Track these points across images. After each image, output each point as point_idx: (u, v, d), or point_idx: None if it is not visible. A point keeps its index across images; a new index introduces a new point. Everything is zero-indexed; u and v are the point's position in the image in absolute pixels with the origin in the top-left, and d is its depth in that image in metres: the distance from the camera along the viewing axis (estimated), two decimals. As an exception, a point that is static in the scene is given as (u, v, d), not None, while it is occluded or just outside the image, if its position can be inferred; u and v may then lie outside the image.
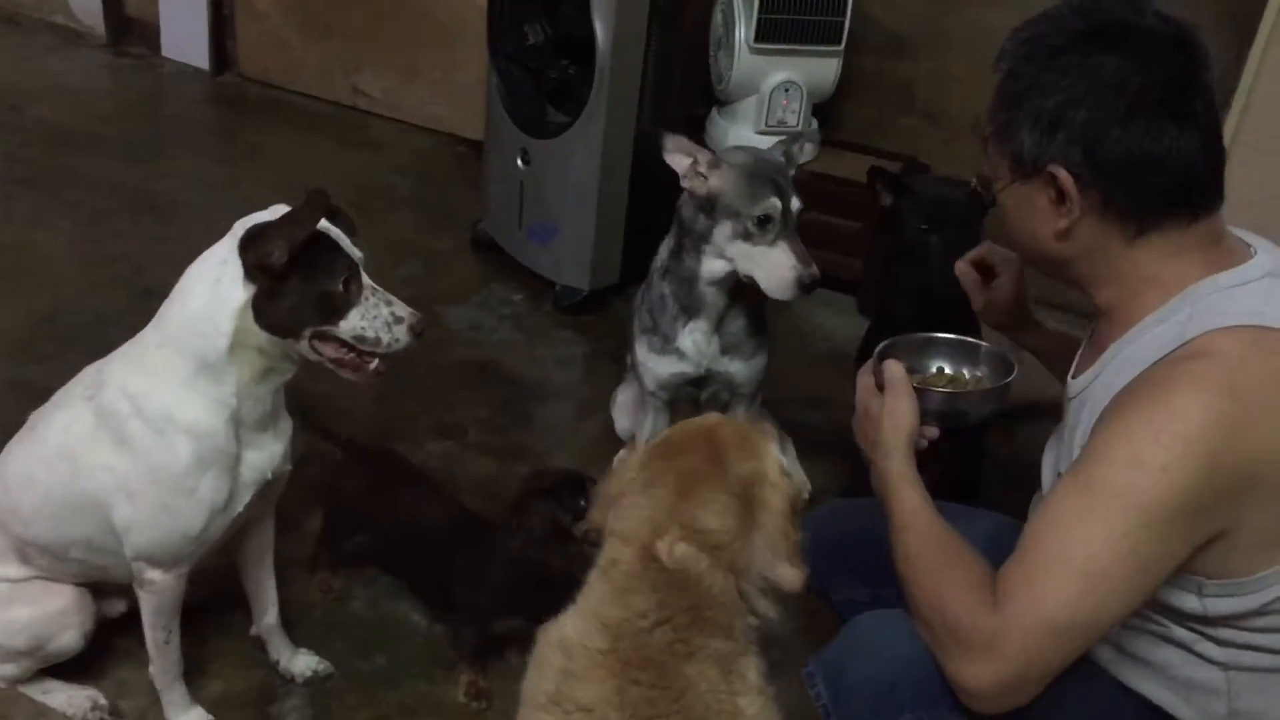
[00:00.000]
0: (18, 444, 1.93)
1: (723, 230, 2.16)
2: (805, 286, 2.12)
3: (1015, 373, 1.67)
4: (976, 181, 2.35)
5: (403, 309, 1.84)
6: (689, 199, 2.22)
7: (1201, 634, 1.41)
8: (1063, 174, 1.38)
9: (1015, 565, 1.35)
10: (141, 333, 1.84)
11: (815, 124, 3.52)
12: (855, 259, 3.42)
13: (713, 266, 2.21)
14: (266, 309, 1.72)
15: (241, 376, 1.76)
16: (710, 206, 2.16)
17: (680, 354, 2.31)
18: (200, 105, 4.55)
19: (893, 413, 1.54)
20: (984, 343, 1.77)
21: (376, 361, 1.84)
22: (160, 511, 1.78)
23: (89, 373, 1.90)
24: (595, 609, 1.41)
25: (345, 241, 1.83)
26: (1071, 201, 1.39)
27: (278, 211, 1.78)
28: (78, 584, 1.96)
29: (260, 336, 1.74)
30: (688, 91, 3.57)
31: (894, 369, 1.57)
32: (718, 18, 3.43)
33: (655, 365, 2.33)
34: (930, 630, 1.41)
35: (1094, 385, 1.46)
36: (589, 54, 3.08)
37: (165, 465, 1.76)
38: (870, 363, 1.69)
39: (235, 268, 1.71)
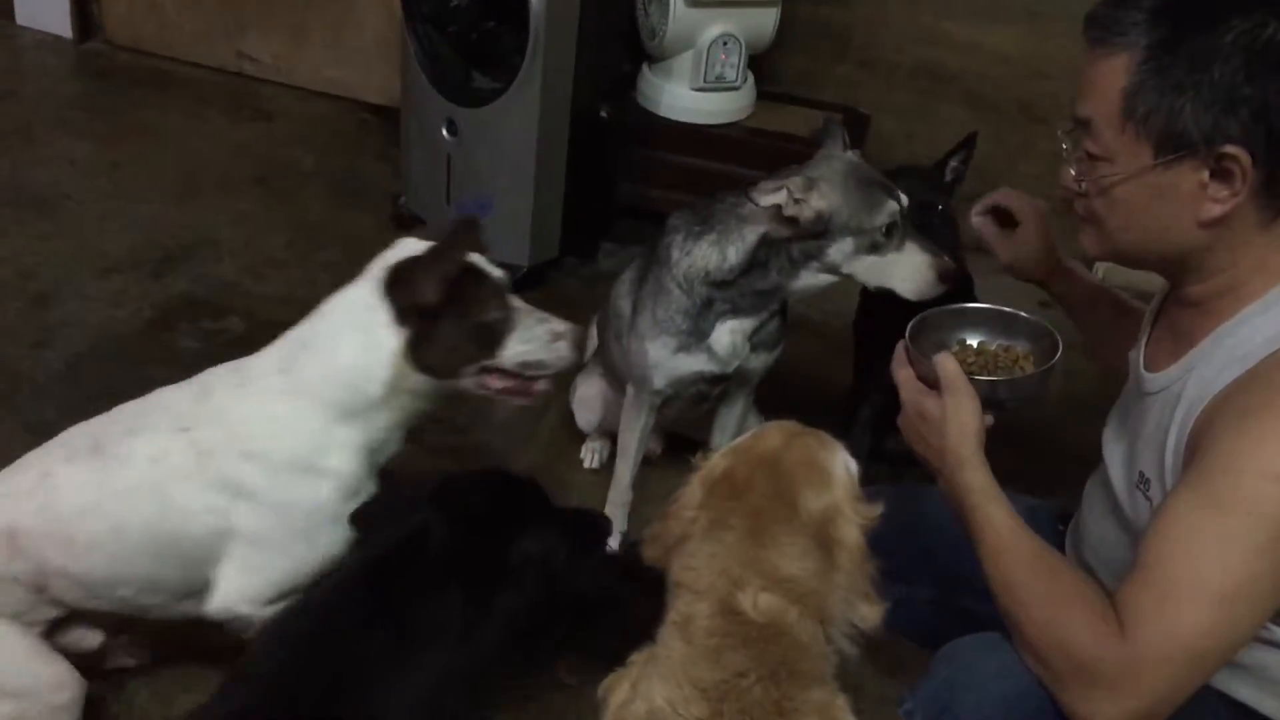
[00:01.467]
0: (69, 464, 1.68)
1: (841, 248, 1.97)
2: (948, 276, 1.98)
3: (1060, 351, 1.56)
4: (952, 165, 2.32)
5: (559, 323, 1.74)
6: (780, 228, 1.97)
7: None
8: (1243, 154, 1.26)
9: (1141, 590, 1.26)
10: (251, 368, 1.71)
11: (751, 77, 3.36)
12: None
13: (814, 281, 2.04)
14: (423, 352, 1.63)
15: (389, 421, 1.68)
16: (823, 230, 1.95)
17: (711, 352, 2.12)
18: (67, 79, 4.13)
19: (957, 416, 1.44)
20: (1022, 312, 1.65)
21: (542, 382, 1.75)
22: (283, 557, 1.66)
23: (175, 401, 1.71)
24: (685, 672, 1.27)
25: (484, 263, 1.72)
26: (1240, 185, 1.28)
27: (409, 246, 1.67)
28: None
29: (417, 380, 1.65)
30: (615, 48, 3.37)
31: (949, 365, 1.46)
32: (646, -32, 3.23)
33: (676, 364, 2.13)
34: (1047, 664, 1.31)
35: (1187, 381, 1.37)
36: (518, 14, 2.86)
37: (297, 505, 1.65)
38: (901, 351, 1.58)
39: (383, 312, 1.61)
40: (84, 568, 1.67)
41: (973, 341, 1.65)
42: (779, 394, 2.40)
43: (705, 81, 3.23)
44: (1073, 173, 1.41)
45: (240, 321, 2.96)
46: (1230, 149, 1.26)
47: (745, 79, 3.31)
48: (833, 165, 2.01)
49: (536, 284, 3.18)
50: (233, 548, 1.66)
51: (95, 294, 2.99)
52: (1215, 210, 1.30)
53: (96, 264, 3.09)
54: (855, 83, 3.57)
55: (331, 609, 1.51)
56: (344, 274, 3.16)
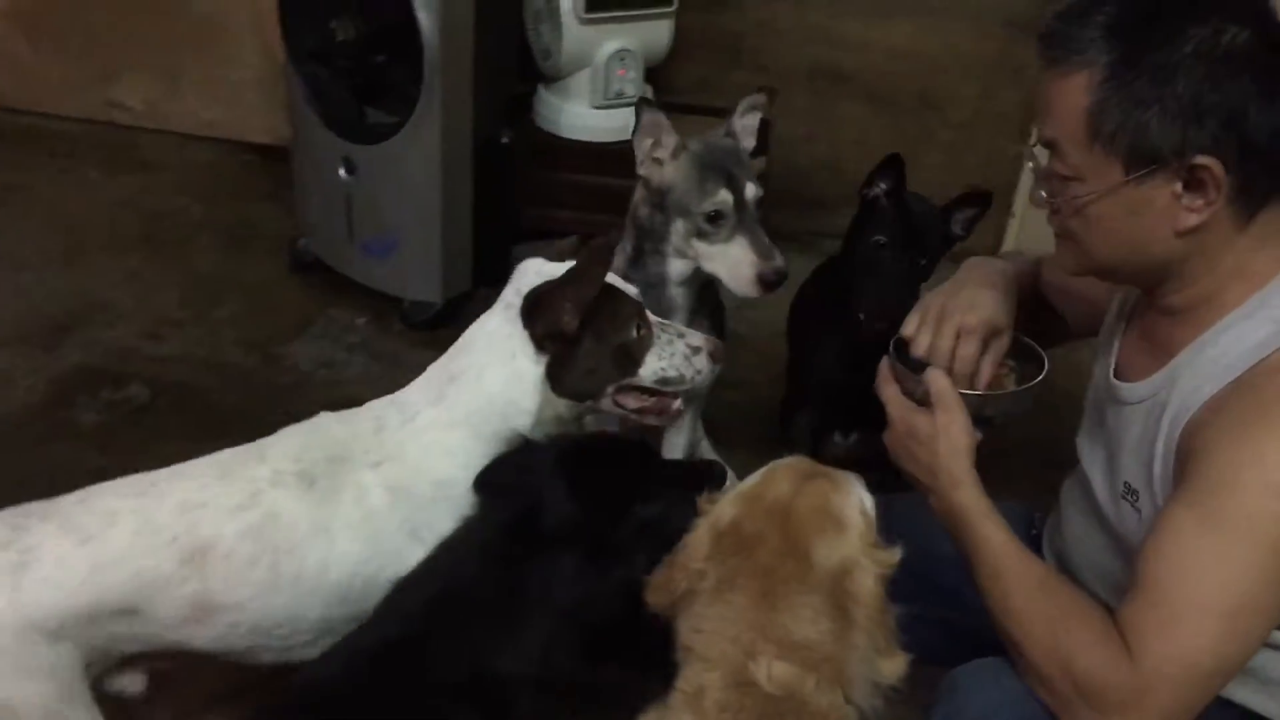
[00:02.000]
0: (281, 489, 1.55)
1: (677, 229, 1.97)
2: (768, 283, 1.93)
3: (1047, 369, 1.55)
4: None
5: (696, 337, 1.72)
6: (644, 197, 2.01)
7: None
8: (1215, 164, 1.24)
9: (1145, 611, 1.24)
10: (409, 402, 1.64)
11: (649, 90, 3.31)
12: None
13: (678, 267, 2.03)
14: (563, 377, 1.61)
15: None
16: (661, 203, 1.97)
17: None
18: (-78, 143, 3.90)
19: (948, 434, 1.42)
20: (1015, 331, 1.61)
21: (679, 400, 1.73)
22: None
23: (359, 431, 1.62)
24: (701, 750, 1.20)
25: (619, 281, 1.69)
26: (1215, 194, 1.26)
27: (535, 267, 1.64)
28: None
29: (559, 404, 1.63)
30: (508, 70, 3.28)
31: (940, 381, 1.44)
32: (534, -12, 3.15)
33: None
34: (1051, 687, 1.29)
35: (1172, 390, 1.35)
36: (409, 46, 2.75)
37: None
38: (885, 366, 1.55)
39: (523, 340, 1.58)
40: (264, 606, 1.52)
41: None
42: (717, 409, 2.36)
43: (605, 99, 3.17)
44: (1044, 194, 1.38)
45: (144, 388, 2.80)
46: (1201, 160, 1.24)
47: (644, 92, 3.25)
48: (698, 143, 2.01)
49: (453, 319, 3.07)
50: None
51: (-18, 373, 2.81)
52: (1192, 220, 1.29)
53: (-21, 341, 2.91)
54: (753, 88, 3.52)
55: (455, 576, 1.51)
56: (248, 327, 3.09)
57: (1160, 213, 1.29)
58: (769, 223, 3.11)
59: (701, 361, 1.69)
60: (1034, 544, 1.74)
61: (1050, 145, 1.34)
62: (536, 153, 3.23)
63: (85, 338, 2.97)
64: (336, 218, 3.08)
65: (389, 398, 1.69)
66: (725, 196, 1.93)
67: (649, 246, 2.03)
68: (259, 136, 3.87)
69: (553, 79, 3.24)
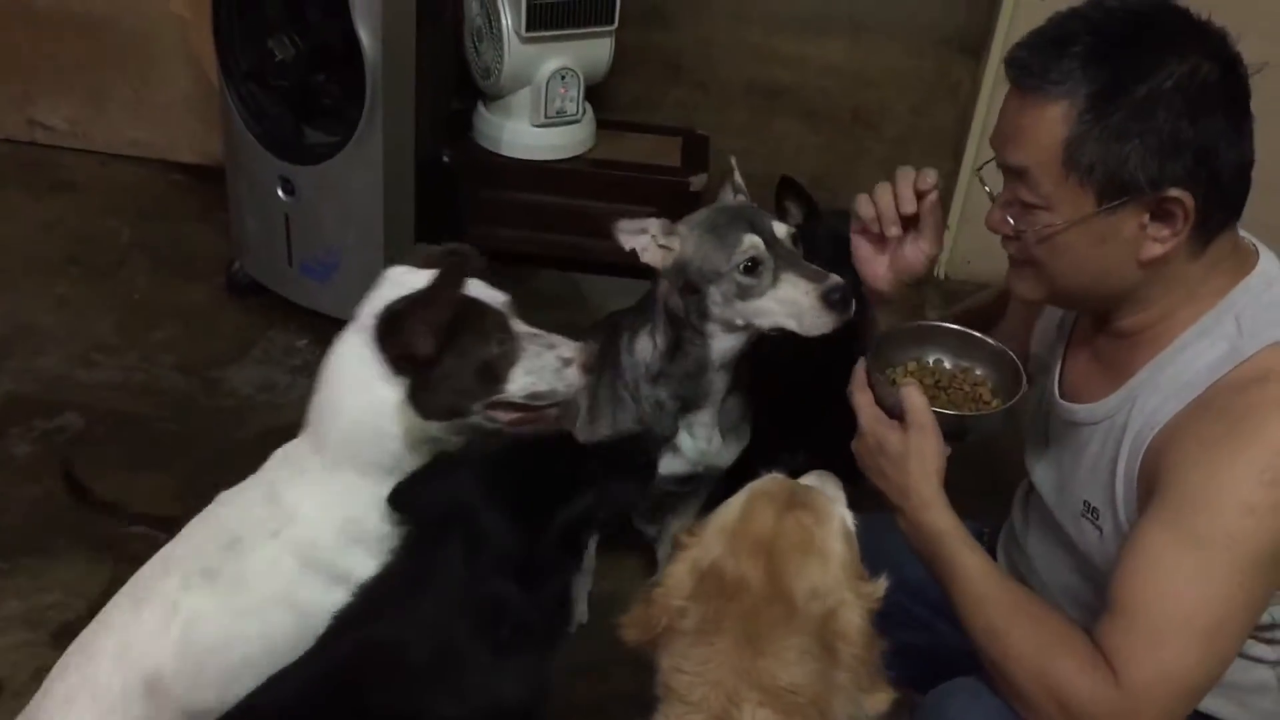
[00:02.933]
0: (193, 595, 1.53)
1: (714, 299, 1.82)
2: (834, 304, 1.75)
3: (1025, 384, 1.53)
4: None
5: (567, 347, 1.60)
6: (669, 286, 1.89)
7: (1255, 638, 1.39)
8: (1187, 196, 1.26)
9: (1127, 633, 1.26)
10: (298, 454, 1.60)
11: (589, 108, 3.32)
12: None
13: (726, 344, 1.89)
14: (425, 400, 1.52)
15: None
16: (687, 281, 1.84)
17: (678, 452, 2.00)
18: None
19: (920, 453, 1.40)
20: (989, 339, 1.59)
21: (555, 410, 1.63)
22: None
23: (250, 505, 1.58)
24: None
25: (482, 289, 1.58)
26: (1182, 225, 1.28)
27: (399, 278, 1.55)
28: None
29: (430, 427, 1.55)
30: (447, 89, 3.26)
31: (915, 398, 1.41)
32: (473, 6, 3.13)
33: None
34: (1039, 712, 1.30)
35: (1131, 411, 1.38)
36: (349, 65, 2.72)
37: None
38: (860, 372, 1.50)
39: (378, 365, 1.50)
40: (230, 696, 1.50)
41: (931, 360, 1.59)
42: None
43: (546, 117, 3.16)
44: (1010, 220, 1.37)
45: (77, 417, 2.73)
46: (1175, 192, 1.26)
47: (585, 110, 3.26)
48: (702, 211, 1.91)
49: (395, 341, 3.05)
50: None
51: (-94, 406, 2.71)
52: (1156, 250, 1.31)
53: (-98, 372, 2.80)
54: (691, 105, 3.56)
55: (388, 616, 1.47)
56: (187, 352, 3.02)
57: (1126, 242, 1.31)
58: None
59: (572, 374, 1.60)
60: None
61: (1017, 172, 1.34)
62: (478, 172, 3.21)
63: (14, 366, 2.87)
64: (275, 239, 3.02)
65: (282, 452, 1.63)
66: (752, 241, 1.78)
67: (688, 335, 1.89)
68: (187, 156, 3.78)
69: (493, 97, 3.22)
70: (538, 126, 3.18)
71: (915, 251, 1.60)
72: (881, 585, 1.27)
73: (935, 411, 1.42)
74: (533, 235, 3.26)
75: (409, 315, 1.48)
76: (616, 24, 3.12)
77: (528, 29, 2.99)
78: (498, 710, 1.47)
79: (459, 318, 1.51)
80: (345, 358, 1.55)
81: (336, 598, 1.52)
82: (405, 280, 1.55)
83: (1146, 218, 1.29)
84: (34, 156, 3.83)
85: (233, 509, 1.61)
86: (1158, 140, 1.25)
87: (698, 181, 3.24)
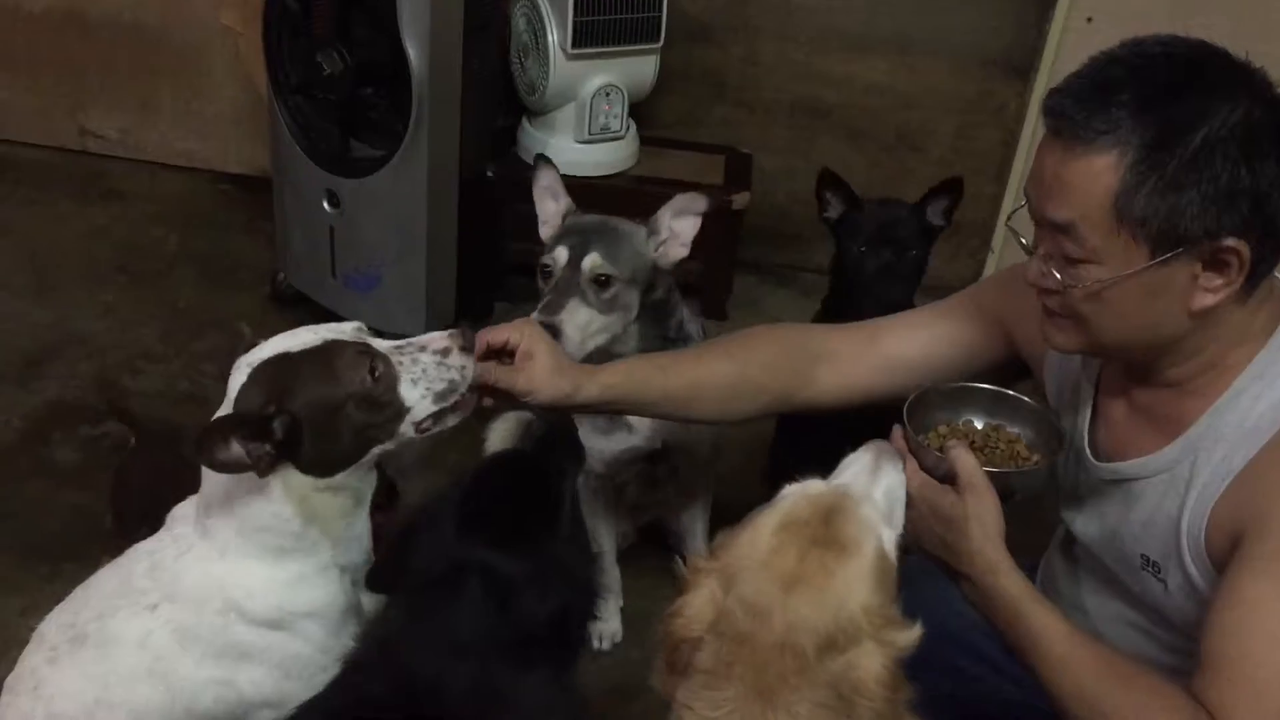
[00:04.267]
0: (55, 667, 1.51)
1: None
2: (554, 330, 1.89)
3: (1066, 438, 1.49)
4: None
5: (437, 339, 1.49)
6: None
7: None
8: (1243, 246, 1.22)
9: (1229, 689, 1.21)
10: (181, 533, 1.53)
11: (633, 125, 3.32)
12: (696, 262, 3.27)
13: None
14: (311, 464, 1.43)
15: (333, 531, 1.51)
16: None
17: (630, 428, 2.06)
18: (-109, 172, 3.83)
19: (981, 519, 1.35)
20: (1023, 397, 1.57)
21: (469, 395, 1.53)
22: (307, 692, 1.48)
23: (134, 572, 1.53)
24: None
25: (328, 330, 1.49)
26: (1236, 275, 1.24)
27: (245, 365, 1.47)
28: None
29: (331, 481, 1.47)
30: (493, 104, 3.28)
31: (968, 461, 1.37)
32: (520, 23, 3.15)
33: (603, 445, 2.06)
34: None
35: (1196, 464, 1.34)
36: (396, 79, 2.74)
37: (298, 655, 1.51)
38: (899, 437, 1.46)
39: (249, 479, 1.41)
40: None
41: (961, 421, 1.56)
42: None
43: (590, 134, 3.18)
44: (1057, 275, 1.32)
45: (121, 424, 2.75)
46: (1231, 242, 1.22)
47: (629, 127, 3.26)
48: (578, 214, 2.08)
49: (435, 354, 3.06)
50: (255, 714, 1.53)
51: (-44, 409, 2.75)
52: (1208, 300, 1.27)
53: (-48, 376, 2.85)
54: (735, 123, 3.56)
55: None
56: (229, 362, 3.01)
57: (1177, 294, 1.27)
58: (748, 256, 3.16)
59: (457, 359, 1.48)
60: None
61: (1063, 228, 1.28)
62: (521, 187, 3.21)
63: (60, 372, 2.91)
64: (319, 251, 3.05)
65: (169, 522, 1.57)
66: (560, 254, 1.96)
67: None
68: (235, 167, 3.83)
69: (538, 113, 3.24)
70: (581, 143, 3.19)
71: None
72: (915, 632, 1.21)
73: (986, 471, 1.38)
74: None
75: (217, 433, 1.37)
76: (662, 42, 3.14)
77: (574, 46, 3.01)
78: None
79: (305, 377, 1.42)
80: (217, 482, 1.47)
81: (215, 673, 1.50)
82: (253, 359, 1.47)
83: (1199, 268, 1.25)
84: (85, 165, 3.89)
85: (119, 571, 1.57)
86: (1215, 189, 1.20)
87: (740, 200, 3.24)
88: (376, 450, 1.49)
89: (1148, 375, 1.40)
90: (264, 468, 1.38)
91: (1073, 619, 1.52)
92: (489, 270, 3.22)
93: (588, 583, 1.52)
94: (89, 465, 2.62)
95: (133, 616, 1.50)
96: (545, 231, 2.09)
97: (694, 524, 2.26)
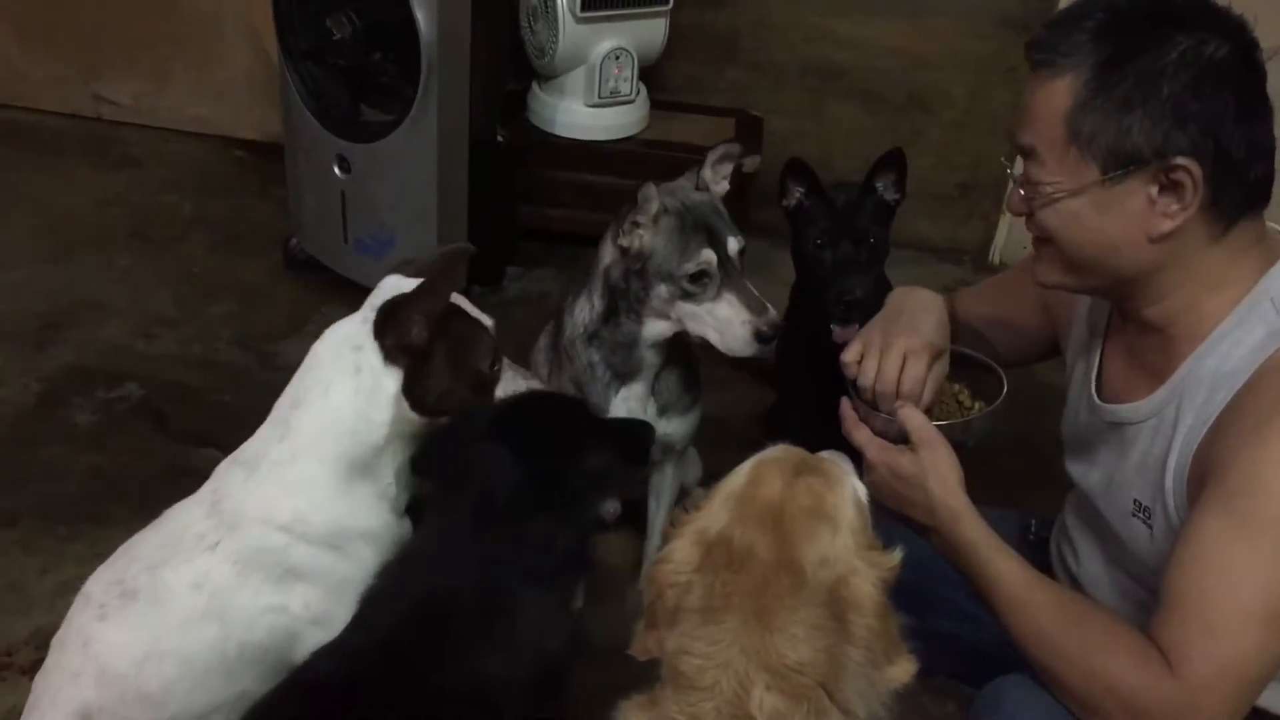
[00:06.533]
0: (105, 624, 1.55)
1: (659, 293, 1.88)
2: (765, 337, 1.85)
3: (1006, 385, 1.57)
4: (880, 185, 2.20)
5: (536, 384, 1.73)
6: (617, 261, 1.92)
7: None
8: (1194, 165, 1.25)
9: (1182, 624, 1.25)
10: (253, 452, 1.59)
11: (643, 88, 3.32)
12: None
13: (656, 328, 1.94)
14: (419, 393, 1.55)
15: (396, 463, 1.60)
16: (641, 269, 1.88)
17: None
18: (-92, 139, 3.86)
19: (937, 469, 1.42)
20: (965, 349, 1.64)
21: None
22: (349, 616, 1.55)
23: (190, 520, 1.58)
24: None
25: (470, 307, 1.64)
26: (1191, 198, 1.27)
27: (393, 284, 1.58)
28: None
29: (417, 422, 1.57)
30: (502, 68, 3.28)
31: (915, 418, 1.45)
32: (529, -14, 3.15)
33: None
34: (1097, 711, 1.29)
35: (1180, 406, 1.37)
36: (405, 43, 2.74)
37: (348, 579, 1.56)
38: (848, 408, 1.55)
39: (374, 354, 1.53)
40: (172, 712, 1.55)
41: None
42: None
43: (600, 97, 3.18)
44: (1020, 193, 1.39)
45: (138, 387, 2.79)
46: (1182, 160, 1.26)
47: (638, 91, 3.26)
48: (674, 201, 1.90)
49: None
50: (305, 634, 1.57)
51: (-27, 373, 2.79)
52: (1166, 225, 1.30)
53: (-30, 341, 2.88)
54: (745, 85, 3.55)
55: (430, 579, 1.50)
56: (243, 325, 3.07)
57: (1134, 216, 1.31)
58: (759, 220, 3.16)
59: None
60: (1033, 549, 1.74)
61: (1028, 152, 1.35)
62: (531, 151, 3.23)
63: (77, 337, 2.95)
64: (331, 216, 3.06)
65: (233, 456, 1.63)
66: (707, 256, 1.84)
67: (624, 307, 1.94)
68: (248, 133, 3.85)
69: (547, 77, 3.24)
70: (591, 106, 3.19)
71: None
72: (896, 555, 1.25)
73: (935, 425, 1.45)
74: (584, 215, 3.26)
75: (406, 303, 1.52)
76: (671, 4, 3.13)
77: (583, 9, 3.00)
78: (542, 662, 1.49)
79: (456, 324, 1.56)
80: (341, 344, 1.56)
81: (271, 600, 1.55)
82: (401, 285, 1.58)
83: (1155, 190, 1.29)
84: (99, 132, 3.92)
85: (171, 524, 1.61)
86: (1160, 110, 1.25)
87: (750, 163, 3.23)
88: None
89: (1133, 316, 1.43)
90: (410, 354, 1.52)
91: (1061, 564, 1.55)
92: (500, 235, 3.23)
93: (580, 532, 1.56)
94: (107, 428, 2.66)
95: (187, 561, 1.55)
96: (628, 238, 1.89)
97: (661, 487, 2.24)
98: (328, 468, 1.55)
